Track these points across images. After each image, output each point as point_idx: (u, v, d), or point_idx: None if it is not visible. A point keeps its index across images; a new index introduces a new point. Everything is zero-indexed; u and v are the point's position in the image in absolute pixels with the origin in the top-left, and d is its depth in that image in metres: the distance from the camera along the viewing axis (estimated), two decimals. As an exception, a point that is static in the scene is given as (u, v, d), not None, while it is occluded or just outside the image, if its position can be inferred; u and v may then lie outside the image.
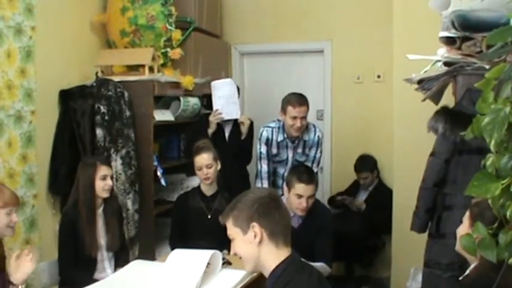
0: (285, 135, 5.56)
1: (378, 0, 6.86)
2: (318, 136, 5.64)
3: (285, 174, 5.62)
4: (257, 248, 2.69)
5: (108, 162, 4.79)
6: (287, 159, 5.67)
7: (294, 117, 5.34)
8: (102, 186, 4.53)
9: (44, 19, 5.44)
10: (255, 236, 2.67)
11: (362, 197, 6.78)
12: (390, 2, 5.69)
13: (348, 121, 7.22)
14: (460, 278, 2.93)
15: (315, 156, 5.66)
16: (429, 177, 4.14)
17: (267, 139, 5.64)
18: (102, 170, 4.55)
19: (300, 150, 5.63)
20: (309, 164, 5.53)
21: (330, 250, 4.77)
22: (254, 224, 2.67)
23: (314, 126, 5.72)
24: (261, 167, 5.70)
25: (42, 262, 4.92)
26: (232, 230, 2.76)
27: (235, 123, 6.11)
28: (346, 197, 6.78)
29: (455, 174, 3.99)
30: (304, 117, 5.40)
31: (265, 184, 5.72)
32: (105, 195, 4.57)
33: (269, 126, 5.65)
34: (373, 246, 6.61)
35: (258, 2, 7.59)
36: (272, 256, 2.69)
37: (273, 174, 5.78)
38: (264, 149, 5.67)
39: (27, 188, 5.29)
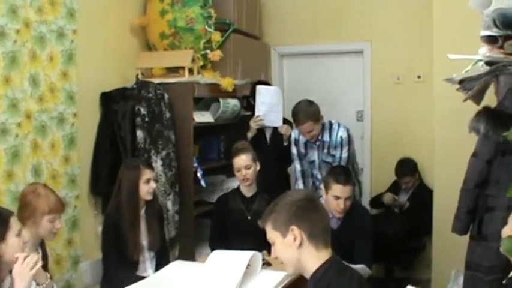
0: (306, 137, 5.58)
1: (417, 0, 6.79)
2: (341, 136, 5.54)
3: (317, 175, 5.62)
4: (297, 251, 2.68)
5: (150, 165, 4.82)
6: (315, 160, 5.66)
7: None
8: (146, 189, 4.55)
9: (85, 23, 5.49)
10: (294, 239, 2.66)
11: (403, 198, 6.72)
12: (430, 2, 5.64)
13: (387, 122, 7.17)
14: (504, 282, 2.89)
15: (340, 157, 5.57)
16: (470, 178, 4.07)
17: (295, 140, 5.71)
18: (146, 174, 4.57)
19: (325, 150, 5.59)
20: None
21: (370, 252, 4.73)
22: (293, 227, 2.66)
23: (339, 125, 5.63)
24: (295, 167, 5.78)
25: (84, 262, 5.00)
26: (272, 234, 2.76)
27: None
28: (393, 195, 6.69)
29: (497, 175, 3.92)
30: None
31: (301, 183, 5.78)
32: (149, 197, 4.60)
33: (296, 128, 5.66)
34: (413, 248, 6.55)
35: (297, 2, 7.58)
36: (312, 258, 2.68)
37: (310, 176, 5.78)
38: (294, 150, 5.75)
39: (69, 189, 5.35)
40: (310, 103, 5.46)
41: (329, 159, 5.59)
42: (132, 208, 4.52)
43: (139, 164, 4.64)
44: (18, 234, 3.08)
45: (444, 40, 5.49)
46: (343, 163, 5.54)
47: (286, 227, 2.68)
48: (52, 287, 3.18)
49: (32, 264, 3.01)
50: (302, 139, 5.64)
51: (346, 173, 4.82)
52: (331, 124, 5.61)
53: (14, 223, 3.08)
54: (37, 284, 3.12)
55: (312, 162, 5.69)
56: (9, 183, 4.77)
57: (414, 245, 6.54)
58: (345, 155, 5.57)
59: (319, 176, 5.67)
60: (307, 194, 2.93)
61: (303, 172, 5.77)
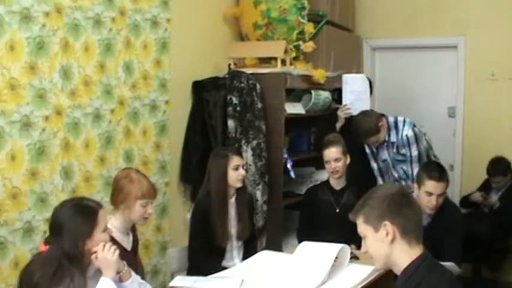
0: None
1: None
2: (406, 135, 5.40)
3: (393, 173, 5.60)
4: (389, 247, 2.63)
5: (239, 152, 4.82)
6: (387, 159, 5.59)
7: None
8: (235, 176, 4.55)
9: (179, 12, 5.56)
10: (387, 234, 2.61)
11: (494, 197, 6.57)
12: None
13: (480, 119, 7.00)
14: None
15: (411, 156, 5.44)
16: None
17: None
18: (235, 160, 4.57)
19: (394, 150, 5.49)
20: (408, 165, 5.43)
21: (460, 250, 4.61)
22: (386, 222, 2.61)
23: (404, 123, 5.48)
24: (372, 166, 5.73)
25: (172, 248, 5.04)
26: (363, 228, 2.71)
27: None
28: (483, 193, 6.54)
29: None
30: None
31: (380, 181, 5.72)
32: (239, 185, 4.60)
33: None
34: (502, 249, 6.40)
35: (390, -5, 7.49)
36: (404, 254, 2.62)
37: (386, 174, 5.70)
38: (368, 150, 5.69)
39: (159, 176, 5.42)
40: (365, 117, 5.42)
41: (400, 158, 5.50)
42: (221, 195, 4.53)
43: (228, 152, 4.64)
44: (105, 230, 3.10)
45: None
46: (415, 162, 5.42)
47: (379, 222, 2.63)
48: (130, 273, 3.20)
49: (113, 249, 3.04)
50: None
51: (440, 169, 4.70)
52: (396, 123, 5.48)
53: (102, 218, 3.09)
54: (116, 272, 3.14)
55: (385, 161, 5.60)
56: (102, 168, 4.88)
57: (503, 246, 6.38)
58: (414, 153, 5.42)
59: (395, 174, 5.60)
60: (401, 188, 2.88)
61: (380, 170, 5.70)
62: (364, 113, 5.44)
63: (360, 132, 5.36)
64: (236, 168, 4.54)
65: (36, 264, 2.94)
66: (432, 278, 2.57)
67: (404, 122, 5.49)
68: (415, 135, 5.43)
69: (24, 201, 4.32)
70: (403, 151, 5.44)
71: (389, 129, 5.44)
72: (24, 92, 4.26)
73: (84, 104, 4.71)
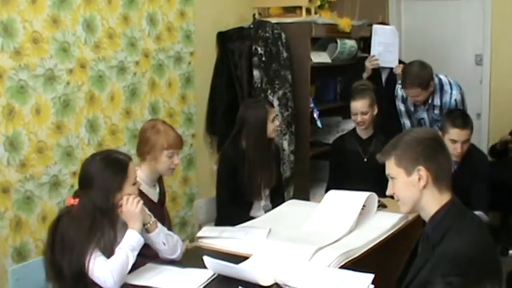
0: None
1: None
2: (456, 100, 5.22)
3: None
4: (420, 192, 2.59)
5: (272, 103, 4.80)
6: (424, 118, 5.44)
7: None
8: (273, 127, 4.52)
9: (203, -38, 5.50)
10: (419, 180, 2.57)
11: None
12: None
13: (508, 67, 6.88)
14: None
15: None
16: None
17: (402, 97, 5.42)
18: (272, 112, 4.54)
19: (436, 111, 5.31)
20: None
21: (487, 197, 4.58)
22: (420, 167, 2.56)
23: (451, 86, 5.27)
24: (404, 123, 5.53)
25: (199, 200, 5.07)
26: (394, 170, 2.66)
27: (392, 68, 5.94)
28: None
29: None
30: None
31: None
32: (274, 135, 4.59)
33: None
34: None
35: None
36: (434, 200, 2.59)
37: None
38: (402, 107, 5.48)
39: (185, 128, 5.42)
40: (423, 67, 5.14)
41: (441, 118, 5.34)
42: (261, 148, 4.49)
43: (265, 104, 4.60)
44: (134, 183, 3.10)
45: None
46: None
47: (412, 166, 2.58)
48: (156, 224, 3.20)
49: (137, 201, 3.04)
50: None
51: (464, 116, 4.66)
52: (442, 85, 5.26)
53: (132, 171, 3.09)
54: (143, 224, 3.14)
55: (422, 119, 5.49)
56: (127, 120, 4.89)
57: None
58: None
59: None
60: (435, 133, 2.83)
61: (412, 127, 5.56)
62: (422, 63, 5.24)
63: (409, 76, 5.13)
64: (273, 119, 4.52)
65: (68, 220, 2.93)
66: (462, 223, 2.54)
67: (450, 84, 5.27)
68: (463, 99, 5.30)
69: (50, 155, 4.35)
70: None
71: (433, 92, 5.30)
72: (47, 46, 4.25)
73: (108, 57, 4.71)
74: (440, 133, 4.57)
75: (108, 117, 4.74)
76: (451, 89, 5.21)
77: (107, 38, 4.68)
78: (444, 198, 2.59)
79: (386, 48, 5.90)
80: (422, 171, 2.56)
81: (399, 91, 5.43)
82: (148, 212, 3.20)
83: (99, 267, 2.85)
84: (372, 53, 5.90)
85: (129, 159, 3.14)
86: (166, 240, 3.21)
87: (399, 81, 5.43)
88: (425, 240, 2.63)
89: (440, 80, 5.24)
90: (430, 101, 5.23)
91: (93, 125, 4.62)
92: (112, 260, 2.88)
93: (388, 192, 2.75)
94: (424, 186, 2.57)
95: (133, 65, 4.91)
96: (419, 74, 5.08)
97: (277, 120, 4.61)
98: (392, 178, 2.67)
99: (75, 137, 4.50)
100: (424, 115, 5.37)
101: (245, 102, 4.97)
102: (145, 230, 3.13)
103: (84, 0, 4.47)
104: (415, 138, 2.64)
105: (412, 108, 5.40)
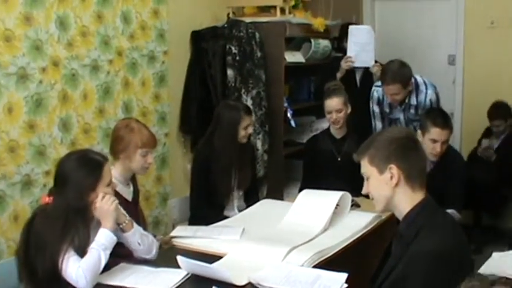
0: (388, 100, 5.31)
1: None
2: (431, 100, 5.22)
3: None
4: (392, 190, 2.60)
5: (250, 111, 4.72)
6: (399, 117, 5.46)
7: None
8: (243, 134, 4.52)
9: (177, -40, 5.49)
10: (391, 178, 2.59)
11: (494, 145, 6.55)
12: None
13: (480, 66, 6.94)
14: None
15: None
16: None
17: (378, 99, 5.40)
18: (246, 121, 4.52)
19: (412, 111, 5.32)
20: None
21: (461, 196, 4.63)
22: (392, 165, 2.58)
23: (426, 86, 5.27)
24: (375, 125, 5.53)
25: (173, 199, 5.06)
26: (368, 169, 2.68)
27: (368, 68, 5.96)
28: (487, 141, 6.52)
29: None
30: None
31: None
32: (245, 141, 4.59)
33: (379, 86, 5.38)
34: (503, 196, 6.39)
35: None
36: (407, 199, 2.60)
37: None
38: (376, 109, 5.47)
39: (159, 127, 5.41)
40: (404, 65, 5.15)
41: (418, 117, 5.33)
42: (229, 153, 4.49)
43: (242, 110, 4.58)
44: (109, 184, 3.09)
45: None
46: None
47: (384, 164, 2.60)
48: (132, 224, 3.19)
49: (112, 200, 3.03)
50: (387, 99, 5.35)
51: (445, 116, 4.68)
52: (417, 85, 5.26)
53: (107, 172, 3.07)
54: (118, 224, 3.14)
55: (397, 119, 5.50)
56: (101, 119, 4.87)
57: (504, 193, 6.38)
58: None
59: None
60: (408, 132, 2.85)
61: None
62: (402, 62, 5.25)
63: (390, 73, 5.12)
64: (246, 127, 4.51)
65: (42, 219, 2.92)
66: (435, 221, 2.56)
67: (425, 84, 5.28)
68: (438, 98, 5.33)
69: (22, 154, 4.32)
70: (423, 112, 5.31)
71: (410, 92, 5.31)
72: (20, 44, 4.23)
73: (81, 55, 4.69)
74: (419, 132, 4.61)
75: (81, 116, 4.71)
76: (426, 88, 5.22)
77: (80, 36, 4.65)
78: (417, 196, 2.61)
79: (362, 48, 5.91)
80: (393, 170, 2.58)
81: (375, 93, 5.43)
82: (123, 212, 3.19)
83: (71, 266, 2.83)
84: (348, 54, 5.91)
85: (105, 160, 3.12)
86: (141, 240, 3.19)
87: (376, 83, 5.47)
88: (398, 239, 2.64)
89: (415, 79, 5.25)
90: (407, 101, 5.24)
91: (66, 124, 4.59)
92: (84, 260, 2.87)
93: (363, 191, 2.76)
94: (396, 185, 2.59)
95: (106, 63, 4.89)
96: (400, 71, 5.10)
97: (251, 129, 4.59)
98: (366, 177, 2.69)
99: (48, 136, 4.47)
100: (400, 115, 5.37)
101: (225, 101, 4.98)
102: (120, 229, 3.12)
103: (58, -3, 4.46)
104: (388, 137, 2.67)
105: (388, 110, 5.41)
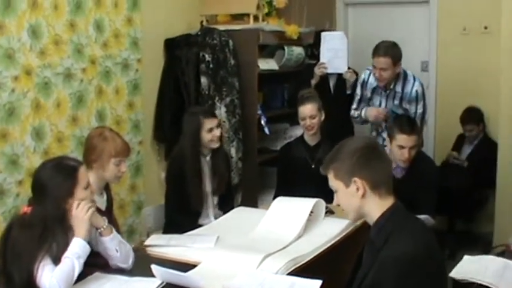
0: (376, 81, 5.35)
1: None
2: (417, 91, 5.27)
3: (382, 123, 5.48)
4: (360, 200, 2.62)
5: (212, 113, 4.75)
6: (379, 105, 5.48)
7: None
8: (209, 138, 4.51)
9: (150, -32, 5.48)
10: (357, 190, 2.61)
11: (467, 150, 6.63)
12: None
13: (453, 73, 7.02)
14: None
15: (416, 113, 5.29)
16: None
17: (363, 80, 5.46)
18: (207, 123, 4.52)
19: (396, 102, 5.34)
20: None
21: (434, 202, 4.66)
22: (355, 178, 2.60)
23: (414, 78, 5.34)
24: (352, 114, 5.60)
25: (147, 207, 5.04)
26: (334, 183, 2.70)
27: (341, 74, 5.99)
28: (455, 153, 6.61)
29: None
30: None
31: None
32: (214, 145, 4.57)
33: (369, 69, 5.45)
34: (476, 201, 6.45)
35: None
36: (376, 207, 2.62)
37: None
38: (359, 91, 5.52)
39: (133, 135, 5.40)
40: (396, 45, 5.25)
41: (399, 111, 5.34)
42: (194, 159, 4.50)
43: (200, 115, 4.58)
44: (86, 187, 3.08)
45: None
46: (418, 119, 5.27)
47: (349, 178, 2.62)
48: (111, 230, 3.19)
49: (87, 208, 3.02)
50: (372, 83, 5.40)
51: (411, 122, 4.74)
52: (406, 75, 5.33)
53: (82, 176, 3.07)
54: (96, 228, 3.14)
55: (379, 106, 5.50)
56: (74, 128, 4.85)
57: (477, 198, 6.44)
58: (420, 110, 5.29)
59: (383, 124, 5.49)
60: (368, 141, 2.84)
61: (360, 117, 5.59)
62: (395, 43, 5.29)
63: (383, 46, 5.22)
64: (210, 130, 4.51)
65: (19, 228, 2.92)
66: (404, 226, 2.58)
67: (414, 77, 5.35)
68: (423, 93, 5.35)
69: (-6, 163, 4.29)
70: (407, 106, 5.31)
71: (397, 78, 5.31)
72: (-9, 52, 4.20)
73: (54, 64, 4.66)
74: (387, 139, 4.64)
75: (54, 124, 4.69)
76: (414, 80, 5.30)
77: (53, 44, 4.63)
78: (386, 203, 2.63)
79: (335, 54, 5.95)
80: (358, 182, 2.59)
81: (362, 75, 5.50)
82: (101, 217, 3.18)
83: (45, 276, 2.82)
84: (321, 60, 5.94)
85: (80, 164, 3.14)
86: (119, 248, 3.19)
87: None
88: (370, 245, 2.66)
89: (405, 71, 5.33)
90: (392, 86, 5.29)
91: (39, 133, 4.57)
92: (57, 269, 2.86)
93: (334, 203, 2.81)
94: (363, 195, 2.61)
95: (80, 71, 4.87)
96: (393, 47, 5.20)
97: (217, 131, 4.57)
98: (334, 190, 2.71)
99: (21, 145, 4.44)
100: (382, 102, 5.39)
101: (187, 110, 4.94)
102: (99, 234, 3.13)
103: (30, 6, 4.42)
104: (349, 149, 2.67)
105: (369, 94, 5.42)
